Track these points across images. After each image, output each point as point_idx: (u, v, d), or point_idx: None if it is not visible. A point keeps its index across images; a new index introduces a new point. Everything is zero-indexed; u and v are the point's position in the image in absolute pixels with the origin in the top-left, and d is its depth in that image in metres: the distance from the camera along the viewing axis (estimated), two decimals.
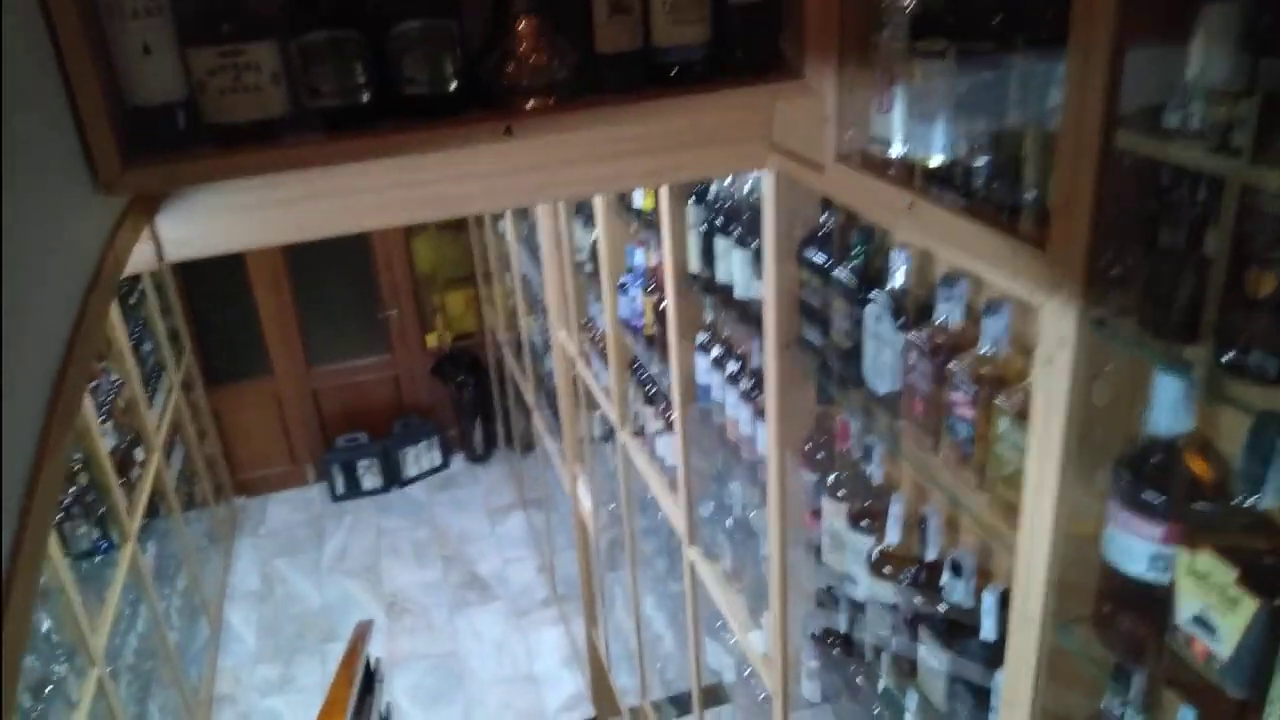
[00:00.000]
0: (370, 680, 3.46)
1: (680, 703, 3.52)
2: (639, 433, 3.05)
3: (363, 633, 3.34)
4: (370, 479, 6.75)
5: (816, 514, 1.80)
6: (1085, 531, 1.04)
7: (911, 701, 1.51)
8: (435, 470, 6.96)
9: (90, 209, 1.02)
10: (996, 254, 1.03)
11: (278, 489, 6.85)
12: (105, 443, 4.00)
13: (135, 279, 5.17)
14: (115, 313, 4.48)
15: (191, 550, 5.21)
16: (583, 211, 3.31)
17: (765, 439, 1.96)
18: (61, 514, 3.46)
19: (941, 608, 1.39)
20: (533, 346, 4.88)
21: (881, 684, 1.65)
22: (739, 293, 1.94)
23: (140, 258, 1.26)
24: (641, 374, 2.95)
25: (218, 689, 5.14)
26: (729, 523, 2.35)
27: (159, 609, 4.33)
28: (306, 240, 1.28)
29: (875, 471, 1.57)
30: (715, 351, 2.21)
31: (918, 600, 1.45)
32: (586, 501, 4.08)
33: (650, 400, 2.84)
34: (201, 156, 1.10)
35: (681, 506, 2.56)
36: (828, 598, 1.87)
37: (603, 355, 3.35)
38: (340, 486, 6.71)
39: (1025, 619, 1.09)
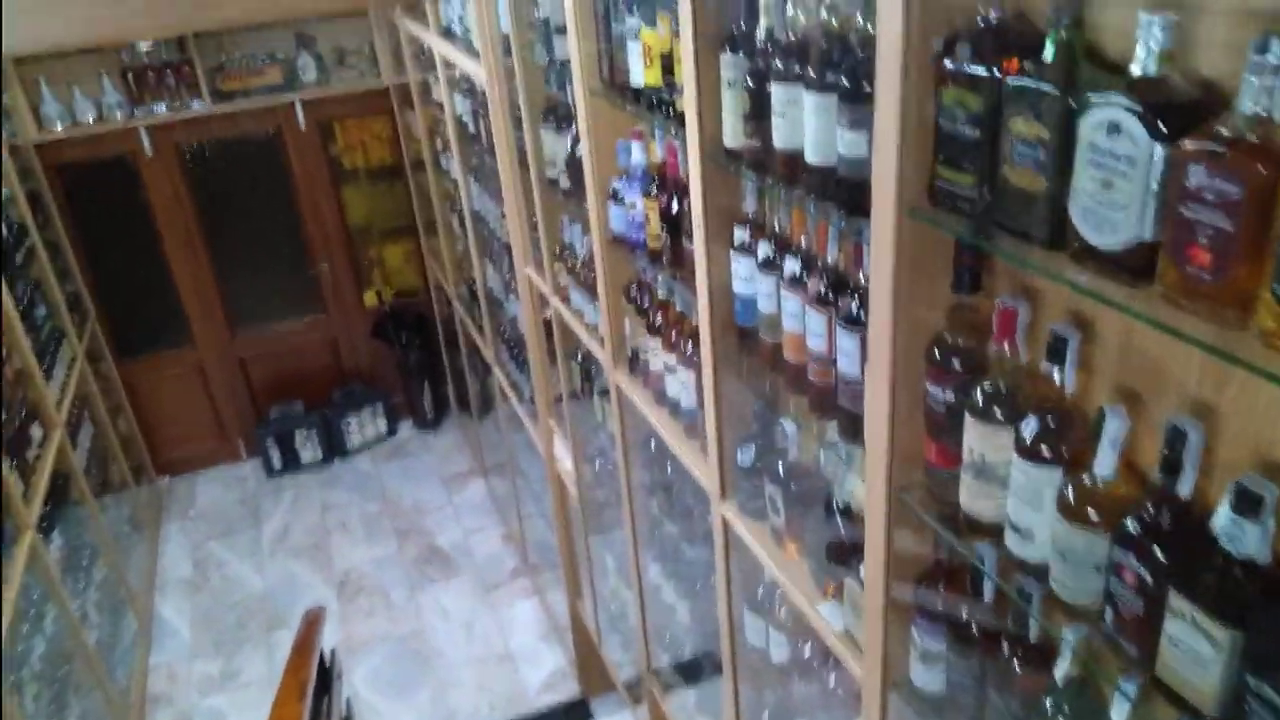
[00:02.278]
0: (326, 678, 2.94)
1: (689, 670, 3.07)
2: (639, 372, 2.56)
3: (313, 624, 2.81)
4: (309, 451, 6.15)
5: (942, 445, 1.33)
6: None
7: (1130, 690, 1.06)
8: (381, 439, 6.39)
9: None
10: None
11: (206, 466, 6.21)
12: None
13: (23, 235, 4.49)
14: None
15: (109, 538, 4.59)
16: (553, 114, 2.78)
17: (855, 351, 1.48)
18: None
19: (1207, 562, 0.93)
20: (490, 295, 4.34)
21: (1063, 670, 1.20)
22: (813, 157, 1.45)
23: None
24: (642, 301, 2.45)
25: (151, 689, 4.57)
26: (780, 469, 1.88)
27: (72, 606, 3.74)
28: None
29: (1067, 376, 1.10)
30: (763, 251, 1.72)
31: (1157, 552, 0.98)
32: (566, 460, 3.58)
33: (656, 330, 2.35)
34: None
35: (710, 454, 2.08)
36: (950, 556, 1.42)
37: (587, 287, 2.84)
38: (276, 461, 6.11)
39: None
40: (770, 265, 1.71)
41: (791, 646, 2.05)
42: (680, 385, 2.27)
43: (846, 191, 1.40)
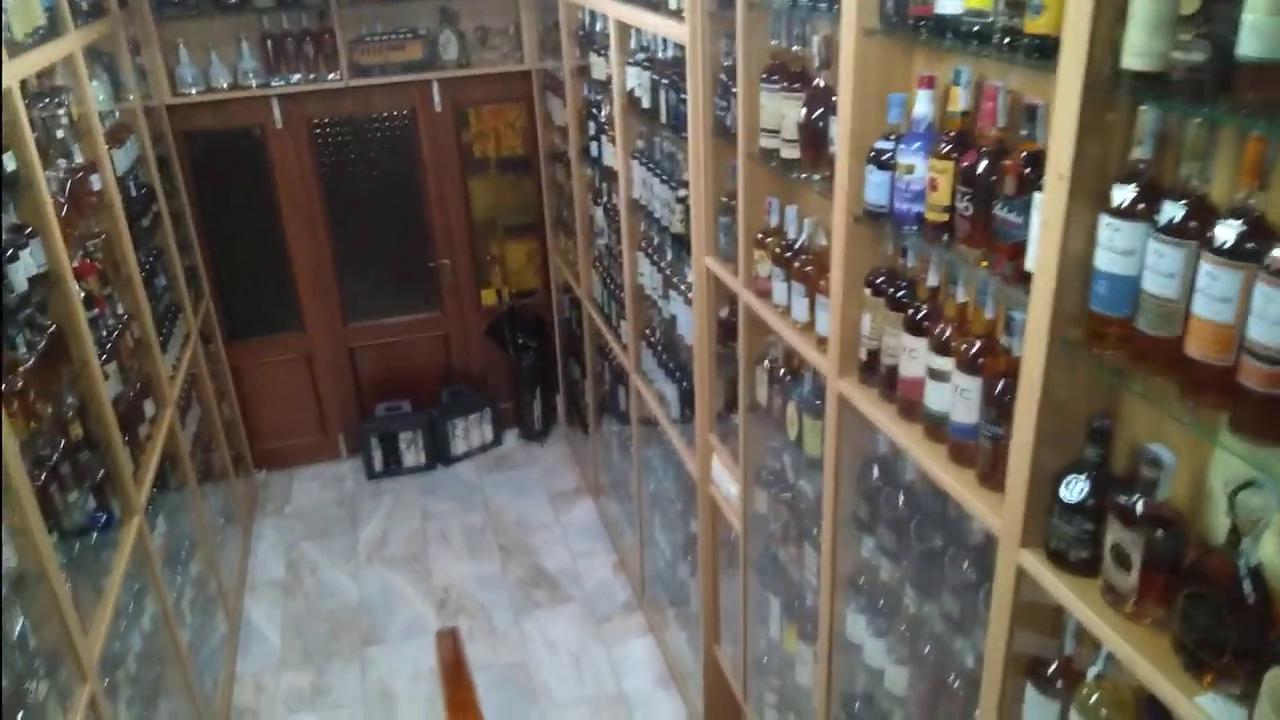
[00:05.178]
0: None
1: None
2: (875, 380, 2.11)
3: (455, 650, 2.40)
4: (412, 455, 5.81)
5: None
6: None
7: None
8: (486, 447, 6.03)
9: None
10: None
11: (305, 462, 5.91)
12: (108, 389, 3.07)
13: (150, 199, 4.24)
14: (123, 227, 3.54)
15: (208, 530, 4.28)
16: (780, 73, 2.37)
17: None
18: (47, 474, 2.53)
19: None
20: (638, 294, 3.93)
21: None
22: None
23: None
24: (896, 292, 2.00)
25: (236, 699, 4.22)
26: (1137, 510, 1.41)
27: (169, 600, 3.41)
28: None
29: None
30: (1169, 212, 1.27)
31: None
32: (728, 484, 3.14)
33: (919, 327, 1.90)
34: None
35: (1016, 487, 1.61)
36: None
37: (801, 278, 2.41)
38: (378, 462, 5.78)
39: None
40: (1180, 230, 1.25)
41: None
42: (953, 395, 1.81)
43: None
